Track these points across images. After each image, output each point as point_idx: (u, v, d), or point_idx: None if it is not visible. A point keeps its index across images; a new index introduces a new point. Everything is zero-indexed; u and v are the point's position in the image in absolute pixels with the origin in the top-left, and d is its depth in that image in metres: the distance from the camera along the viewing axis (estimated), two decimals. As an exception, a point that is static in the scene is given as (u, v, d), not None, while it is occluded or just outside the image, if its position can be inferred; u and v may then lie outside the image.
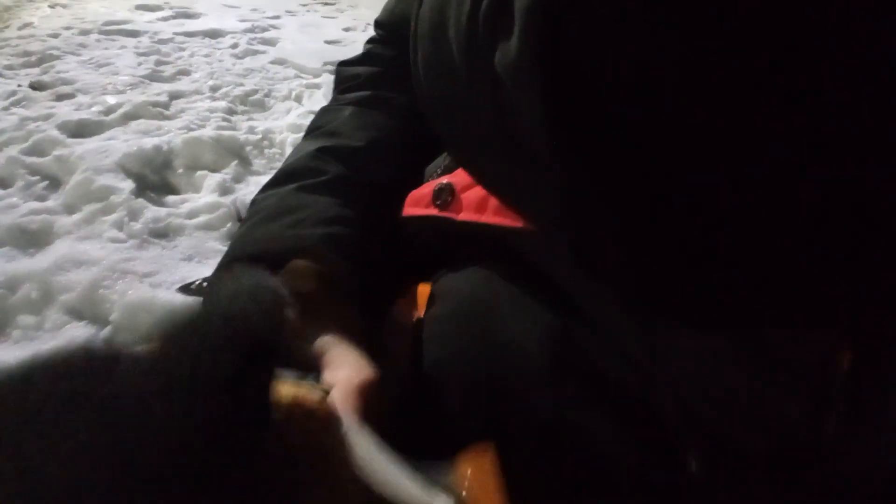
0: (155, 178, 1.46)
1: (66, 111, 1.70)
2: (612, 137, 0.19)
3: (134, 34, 2.49)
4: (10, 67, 2.05)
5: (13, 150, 1.47)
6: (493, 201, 0.29)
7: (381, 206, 0.36)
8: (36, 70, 2.04)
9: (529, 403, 0.26)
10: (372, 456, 0.21)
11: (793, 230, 0.19)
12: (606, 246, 0.23)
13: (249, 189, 1.42)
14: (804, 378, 0.22)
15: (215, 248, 1.23)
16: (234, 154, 1.58)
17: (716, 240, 0.20)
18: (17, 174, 1.40)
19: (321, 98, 1.96)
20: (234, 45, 2.43)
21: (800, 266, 0.19)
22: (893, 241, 0.18)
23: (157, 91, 1.89)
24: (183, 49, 2.34)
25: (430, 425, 0.28)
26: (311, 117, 0.45)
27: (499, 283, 0.30)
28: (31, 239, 1.22)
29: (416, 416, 0.28)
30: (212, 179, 1.45)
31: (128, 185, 1.37)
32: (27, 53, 2.17)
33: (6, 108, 1.71)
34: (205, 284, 0.35)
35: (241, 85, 2.00)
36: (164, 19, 2.73)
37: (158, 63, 2.15)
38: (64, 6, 2.84)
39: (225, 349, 0.18)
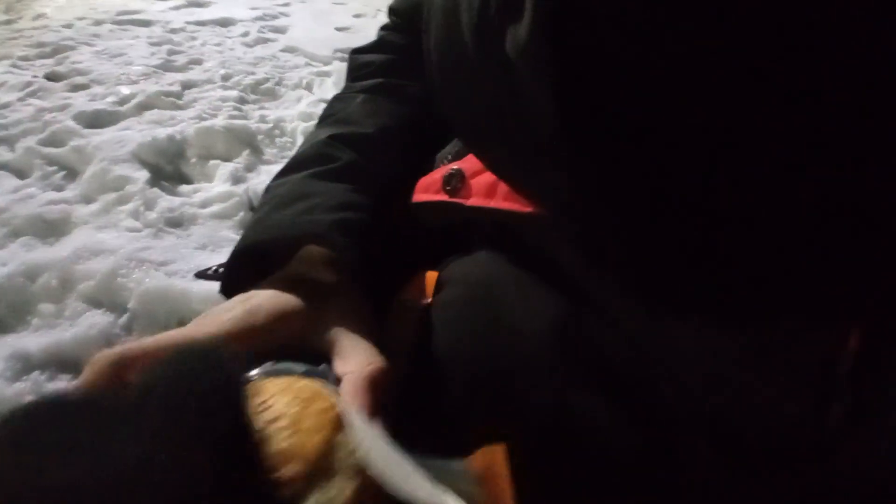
0: (169, 168, 1.47)
1: (82, 102, 1.72)
2: (618, 126, 0.19)
3: (146, 24, 2.50)
4: (25, 58, 2.07)
5: (30, 141, 1.50)
6: (503, 187, 0.29)
7: (393, 193, 0.36)
8: (51, 61, 2.06)
9: (534, 389, 0.26)
10: (382, 452, 0.20)
11: (795, 227, 0.19)
12: (610, 237, 0.23)
13: (261, 178, 1.43)
14: (807, 372, 0.22)
15: (229, 237, 1.24)
16: (246, 143, 1.59)
17: (717, 235, 0.20)
18: (34, 164, 1.42)
19: (332, 86, 1.96)
20: (245, 34, 2.43)
21: (802, 262, 0.19)
22: (894, 238, 0.18)
23: (170, 81, 1.90)
24: (194, 38, 2.34)
25: (434, 412, 0.28)
26: (322, 105, 0.45)
27: (507, 269, 0.30)
28: (50, 228, 1.24)
29: (419, 403, 0.28)
30: (224, 169, 1.46)
31: (143, 174, 1.38)
32: (42, 44, 2.19)
33: (22, 99, 1.73)
34: (220, 270, 0.35)
35: (252, 74, 2.01)
36: (176, 8, 2.74)
37: (171, 53, 2.16)
38: (76, -4, 2.86)
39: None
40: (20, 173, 1.41)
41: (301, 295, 0.29)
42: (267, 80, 1.98)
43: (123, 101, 1.74)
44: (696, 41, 0.17)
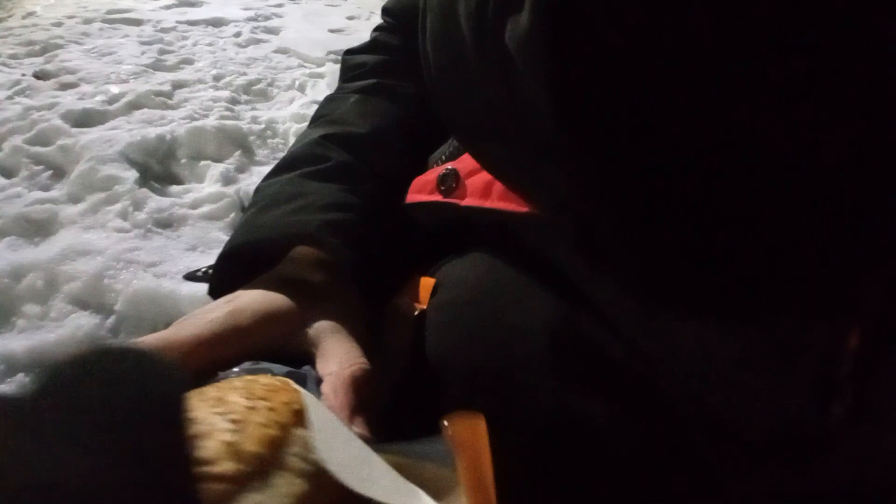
0: (159, 168, 1.46)
1: (70, 101, 1.70)
2: (617, 122, 0.19)
3: (137, 23, 2.48)
4: (14, 57, 2.05)
5: (17, 140, 1.48)
6: (498, 186, 0.29)
7: (385, 193, 0.36)
8: (40, 59, 2.04)
9: (532, 390, 0.26)
10: (342, 447, 0.19)
11: (794, 226, 0.19)
12: (609, 235, 0.22)
13: (253, 179, 1.42)
14: (807, 371, 0.22)
15: (219, 238, 1.23)
16: (238, 144, 1.58)
17: (716, 234, 0.20)
18: (21, 164, 1.40)
19: (325, 87, 1.96)
20: (237, 34, 2.42)
21: (802, 261, 0.19)
22: (893, 237, 0.18)
23: (161, 80, 1.89)
24: (186, 38, 2.33)
25: (430, 416, 0.28)
26: (315, 107, 0.45)
27: (502, 269, 0.30)
28: (36, 228, 1.22)
29: (414, 408, 0.28)
30: (215, 169, 1.45)
31: (132, 174, 1.37)
32: (31, 42, 2.17)
33: (10, 98, 1.71)
34: (210, 272, 0.34)
35: (245, 74, 2.00)
36: (167, 7, 2.72)
37: (161, 52, 2.14)
38: (67, -5, 2.84)
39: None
40: (6, 172, 1.39)
41: (289, 295, 0.28)
42: (259, 80, 1.97)
43: (112, 100, 1.73)
44: (696, 37, 0.17)
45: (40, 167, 1.40)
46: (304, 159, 0.37)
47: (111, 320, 1.03)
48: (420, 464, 0.20)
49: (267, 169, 0.38)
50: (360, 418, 0.24)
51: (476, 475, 0.20)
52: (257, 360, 0.25)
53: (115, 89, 1.79)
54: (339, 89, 0.46)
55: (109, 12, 2.57)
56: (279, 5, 2.90)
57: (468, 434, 0.20)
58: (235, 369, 0.24)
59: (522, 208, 0.28)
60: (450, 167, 0.32)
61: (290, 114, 1.76)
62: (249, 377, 0.22)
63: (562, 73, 0.18)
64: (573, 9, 0.17)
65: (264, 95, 1.91)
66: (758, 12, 0.16)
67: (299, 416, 0.19)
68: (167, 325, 0.27)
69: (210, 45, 2.28)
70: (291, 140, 1.61)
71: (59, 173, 1.40)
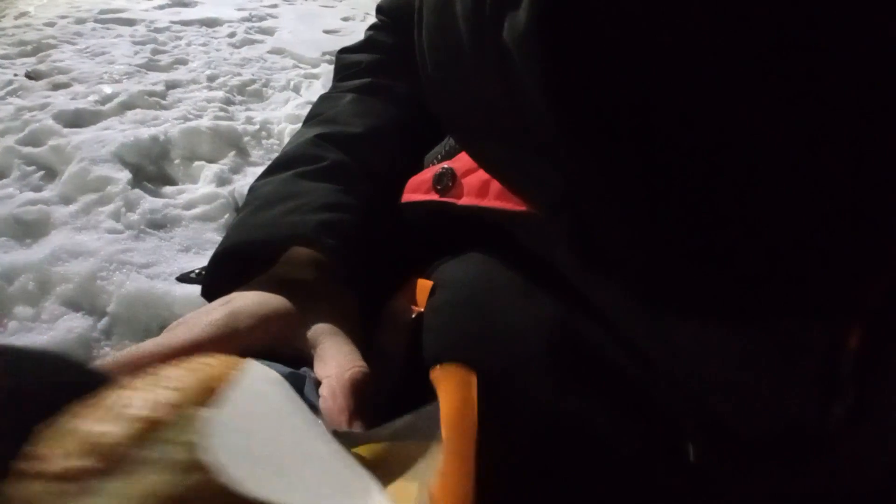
0: (152, 169, 1.45)
1: (63, 101, 1.69)
2: (616, 120, 0.18)
3: (130, 23, 2.47)
4: (6, 57, 2.03)
5: (9, 140, 1.47)
6: (495, 186, 0.29)
7: (381, 193, 0.36)
8: (32, 59, 2.02)
9: (528, 391, 0.26)
10: (254, 431, 0.17)
11: (797, 223, 0.19)
12: (608, 235, 0.22)
13: (247, 180, 1.42)
14: (808, 372, 0.22)
15: (213, 240, 1.22)
16: (232, 145, 1.57)
17: (716, 234, 0.20)
18: (12, 164, 1.39)
19: (320, 88, 1.95)
20: (232, 35, 2.41)
21: (804, 257, 0.19)
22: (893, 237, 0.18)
23: (154, 80, 1.88)
24: (179, 38, 2.32)
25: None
26: (310, 108, 0.45)
27: (499, 270, 0.30)
28: (28, 230, 1.21)
29: (411, 411, 0.27)
30: (209, 170, 1.44)
31: (125, 175, 1.36)
32: (23, 43, 2.16)
33: (2, 98, 1.70)
34: (203, 273, 0.34)
35: (239, 75, 1.99)
36: (160, 7, 2.71)
37: (155, 52, 2.13)
38: (59, -6, 2.82)
39: None
40: (-3, 173, 1.38)
41: (285, 296, 0.28)
42: (254, 81, 1.96)
43: (105, 100, 1.72)
44: (696, 36, 0.17)
45: (32, 168, 1.39)
46: (299, 159, 0.37)
47: (104, 322, 1.02)
48: (404, 444, 0.20)
49: (261, 170, 0.38)
50: (358, 421, 0.24)
51: (459, 422, 0.19)
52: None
53: (107, 89, 1.78)
54: (333, 88, 0.45)
55: (102, 12, 2.56)
56: (273, 6, 2.89)
57: (457, 383, 0.20)
58: None
59: (520, 207, 0.28)
60: (446, 166, 0.32)
61: (285, 114, 1.75)
62: (196, 359, 0.20)
63: (561, 71, 0.18)
64: (572, 7, 0.17)
65: (259, 96, 1.90)
66: (758, 12, 0.16)
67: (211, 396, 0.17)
68: (161, 327, 0.26)
69: (204, 45, 2.27)
70: (286, 141, 1.60)
71: (51, 174, 1.39)
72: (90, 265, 1.10)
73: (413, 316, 0.30)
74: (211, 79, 1.94)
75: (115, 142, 1.46)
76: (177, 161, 1.49)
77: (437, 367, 0.20)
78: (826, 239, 0.19)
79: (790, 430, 0.23)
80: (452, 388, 0.20)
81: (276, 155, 0.39)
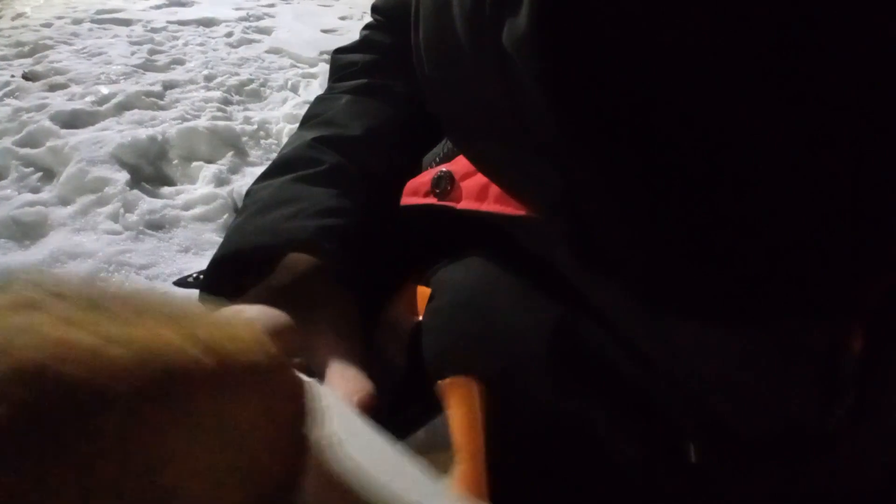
0: (150, 170, 1.45)
1: (60, 101, 1.69)
2: (616, 122, 0.18)
3: (127, 23, 2.46)
4: (3, 58, 2.03)
5: (6, 142, 1.46)
6: (494, 189, 0.28)
7: (380, 196, 0.36)
8: (29, 60, 2.02)
9: (528, 394, 0.26)
10: (359, 442, 0.16)
11: (797, 223, 0.19)
12: (608, 236, 0.22)
13: (246, 180, 1.41)
14: (809, 373, 0.22)
15: (212, 240, 1.22)
16: (230, 145, 1.57)
17: (716, 234, 0.20)
18: (10, 165, 1.39)
19: (317, 88, 1.95)
20: (229, 34, 2.41)
21: (805, 258, 0.19)
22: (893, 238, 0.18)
23: (151, 81, 1.88)
24: (176, 38, 2.31)
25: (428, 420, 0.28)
26: (308, 106, 0.44)
27: (499, 272, 0.30)
28: (26, 231, 1.21)
29: (411, 421, 0.27)
30: (207, 170, 1.44)
31: (123, 176, 1.36)
32: (20, 44, 2.15)
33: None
34: (201, 277, 0.34)
35: (237, 74, 1.99)
36: (157, 7, 2.71)
37: (152, 52, 2.13)
38: (56, -5, 2.82)
39: None
40: (-5, 175, 1.38)
41: (287, 309, 0.28)
42: (251, 81, 1.96)
43: (102, 101, 1.71)
44: (696, 37, 0.17)
45: (30, 169, 1.39)
46: (296, 162, 0.37)
47: (103, 324, 1.02)
48: (432, 455, 0.20)
49: (260, 170, 0.38)
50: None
51: (468, 429, 0.19)
52: None
53: (104, 90, 1.78)
54: (329, 89, 0.45)
55: (99, 12, 2.55)
56: (271, 5, 2.88)
57: (462, 393, 0.20)
58: None
59: (519, 211, 0.27)
60: (444, 169, 0.32)
61: (283, 114, 1.75)
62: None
63: (561, 71, 0.18)
64: (572, 7, 0.17)
65: (257, 96, 1.90)
66: (758, 12, 0.16)
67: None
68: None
69: (201, 45, 2.27)
70: (284, 140, 1.60)
71: (48, 175, 1.39)
72: (89, 266, 1.10)
73: (413, 324, 0.30)
74: (208, 79, 1.93)
75: (112, 142, 1.46)
76: (175, 161, 1.49)
77: (444, 381, 0.20)
78: (826, 239, 0.19)
79: (790, 430, 0.23)
80: (458, 401, 0.20)
81: (274, 155, 0.39)
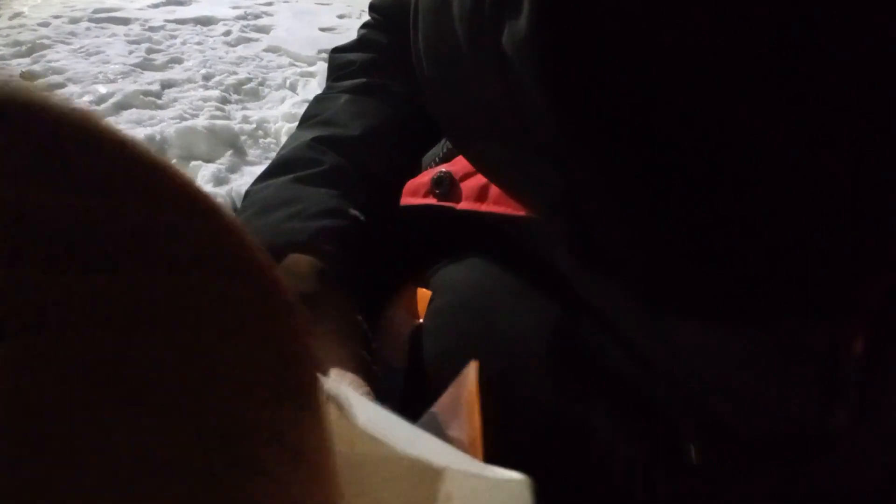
0: (149, 169, 1.44)
1: (58, 101, 1.68)
2: (617, 123, 0.18)
3: (124, 22, 2.45)
4: (0, 58, 2.02)
5: (4, 142, 1.46)
6: (494, 189, 0.28)
7: (379, 197, 0.36)
8: (27, 60, 2.01)
9: (529, 395, 0.26)
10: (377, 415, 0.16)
11: (797, 223, 0.19)
12: (609, 236, 0.22)
13: (245, 180, 1.41)
14: (812, 365, 0.22)
15: (211, 239, 1.22)
16: (229, 144, 1.57)
17: (719, 231, 0.19)
18: (8, 166, 1.39)
19: (316, 86, 1.95)
20: (227, 33, 2.40)
21: (805, 258, 0.19)
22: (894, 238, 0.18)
23: (149, 80, 1.87)
24: (174, 37, 2.31)
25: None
26: (307, 106, 0.44)
27: (499, 273, 0.30)
28: (25, 231, 1.21)
29: (414, 415, 0.27)
30: (206, 170, 1.44)
31: (121, 176, 1.36)
32: (18, 43, 2.14)
33: (-4, 99, 1.69)
34: None
35: (235, 73, 1.98)
36: (155, 6, 2.69)
37: (150, 51, 2.12)
38: (53, -6, 2.81)
39: None
40: (-7, 175, 1.38)
41: None
42: (250, 80, 1.95)
43: (100, 100, 1.71)
44: (696, 36, 0.17)
45: (28, 169, 1.39)
46: (295, 163, 0.37)
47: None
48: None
49: (259, 169, 0.38)
50: None
51: (469, 416, 0.19)
52: None
53: (102, 89, 1.77)
54: (328, 89, 0.45)
55: (96, 11, 2.54)
56: (269, 3, 2.88)
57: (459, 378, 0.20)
58: None
59: (519, 212, 0.27)
60: (444, 169, 0.32)
61: (282, 113, 1.74)
62: None
63: (561, 71, 0.18)
64: (572, 6, 0.17)
65: (255, 95, 1.90)
66: (758, 12, 0.16)
67: None
68: None
69: (199, 44, 2.26)
70: (283, 139, 1.60)
71: (47, 175, 1.39)
72: (88, 267, 1.10)
73: (413, 327, 0.30)
74: (206, 78, 1.93)
75: (111, 142, 1.45)
76: (173, 161, 1.49)
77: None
78: (826, 239, 0.19)
79: (791, 430, 0.23)
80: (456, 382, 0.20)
81: (273, 154, 0.39)
